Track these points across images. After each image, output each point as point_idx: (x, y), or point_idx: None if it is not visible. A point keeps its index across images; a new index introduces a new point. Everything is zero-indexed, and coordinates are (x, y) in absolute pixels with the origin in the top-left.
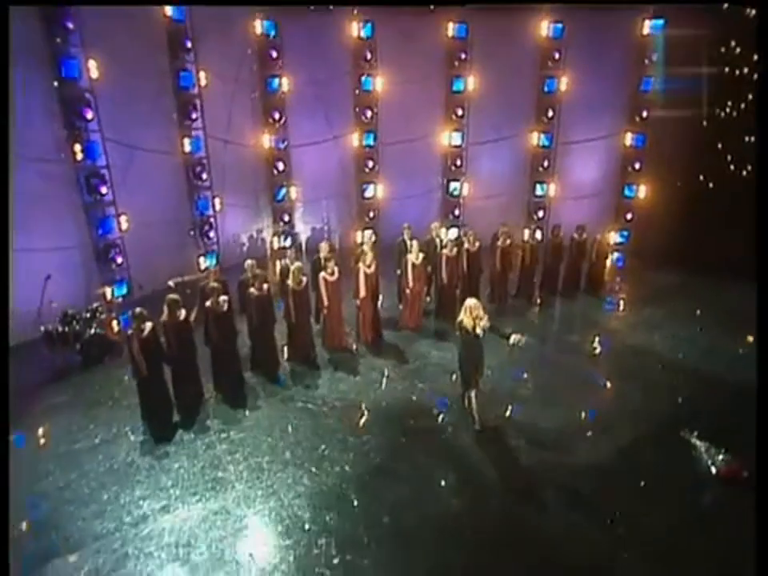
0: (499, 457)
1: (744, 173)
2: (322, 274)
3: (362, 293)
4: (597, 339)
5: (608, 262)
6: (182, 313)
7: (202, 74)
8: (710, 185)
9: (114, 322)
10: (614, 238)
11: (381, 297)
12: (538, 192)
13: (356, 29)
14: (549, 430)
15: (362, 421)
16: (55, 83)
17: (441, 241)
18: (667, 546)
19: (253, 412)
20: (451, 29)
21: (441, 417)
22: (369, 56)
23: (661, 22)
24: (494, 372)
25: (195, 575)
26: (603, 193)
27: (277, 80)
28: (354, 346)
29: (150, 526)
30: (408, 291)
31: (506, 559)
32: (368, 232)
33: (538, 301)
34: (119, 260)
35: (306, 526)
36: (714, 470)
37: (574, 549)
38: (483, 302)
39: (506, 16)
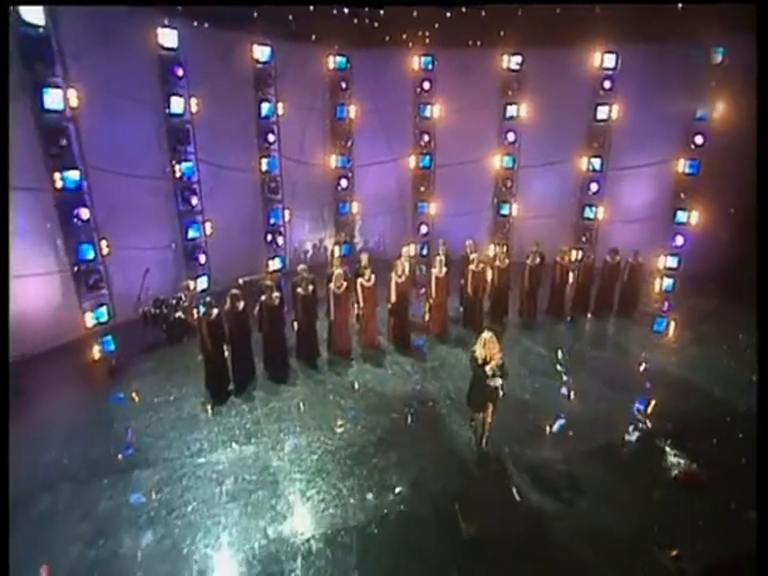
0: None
1: None
2: (360, 280)
3: (393, 299)
4: (561, 355)
5: (643, 284)
6: (241, 304)
7: (280, 105)
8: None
9: (195, 310)
10: (663, 262)
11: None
12: (587, 214)
13: (417, 62)
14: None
15: (376, 404)
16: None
17: (470, 256)
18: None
19: (291, 388)
20: (506, 61)
21: (441, 407)
22: (428, 86)
23: (721, 49)
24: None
25: (223, 494)
26: (653, 218)
27: (345, 108)
28: (384, 345)
29: (202, 459)
30: (431, 301)
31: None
32: (411, 246)
33: (569, 318)
34: (202, 259)
35: (316, 471)
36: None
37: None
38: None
39: (559, 48)
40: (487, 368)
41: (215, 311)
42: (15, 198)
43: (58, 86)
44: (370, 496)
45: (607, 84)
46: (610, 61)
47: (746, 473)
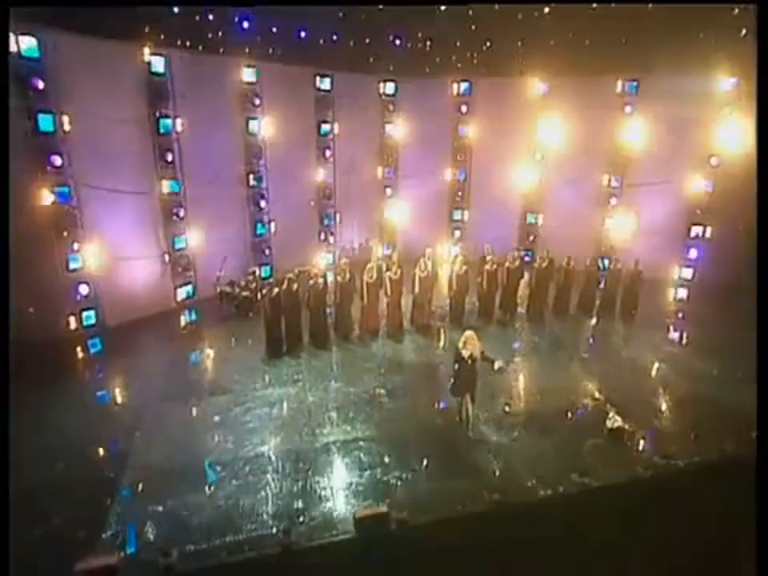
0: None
1: None
2: (388, 273)
3: (416, 290)
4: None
5: (641, 289)
6: (295, 286)
7: (336, 125)
8: None
9: (259, 291)
10: (678, 272)
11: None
12: (607, 226)
13: (456, 88)
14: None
15: (391, 367)
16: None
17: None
18: None
19: (327, 353)
20: (536, 88)
21: (441, 373)
22: (465, 109)
23: (734, 80)
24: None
25: (272, 413)
26: (669, 231)
27: (392, 127)
28: (406, 327)
29: (260, 392)
30: (451, 293)
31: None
32: (429, 249)
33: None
34: (267, 252)
35: (338, 405)
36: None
37: None
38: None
39: (584, 77)
40: (464, 352)
41: (276, 290)
42: (129, 200)
43: (168, 117)
44: (376, 419)
45: (628, 109)
46: (630, 88)
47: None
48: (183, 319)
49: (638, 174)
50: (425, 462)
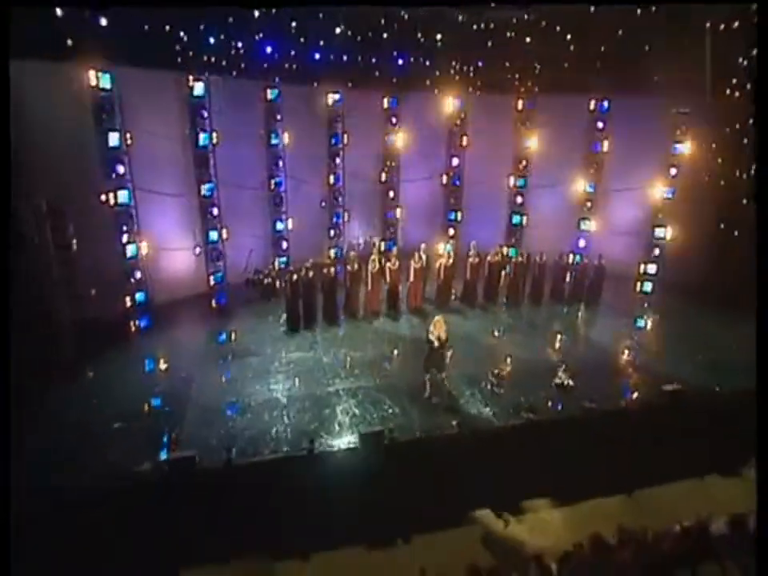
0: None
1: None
2: (388, 264)
3: (411, 278)
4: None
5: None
6: (311, 274)
7: (346, 136)
8: (735, 233)
9: (279, 281)
10: (644, 268)
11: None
12: (582, 227)
13: (451, 104)
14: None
15: (390, 340)
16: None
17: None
18: None
19: (337, 329)
20: (520, 104)
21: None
22: (459, 122)
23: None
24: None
25: (295, 372)
26: (638, 232)
27: (394, 137)
28: (401, 309)
29: (282, 356)
30: (439, 282)
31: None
32: (424, 245)
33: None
34: (285, 245)
35: (347, 365)
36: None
37: None
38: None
39: (563, 95)
40: (431, 337)
41: (294, 277)
42: (172, 202)
43: (205, 131)
44: (376, 375)
45: (600, 125)
46: (602, 108)
47: None
48: (214, 301)
49: (610, 182)
50: (410, 403)
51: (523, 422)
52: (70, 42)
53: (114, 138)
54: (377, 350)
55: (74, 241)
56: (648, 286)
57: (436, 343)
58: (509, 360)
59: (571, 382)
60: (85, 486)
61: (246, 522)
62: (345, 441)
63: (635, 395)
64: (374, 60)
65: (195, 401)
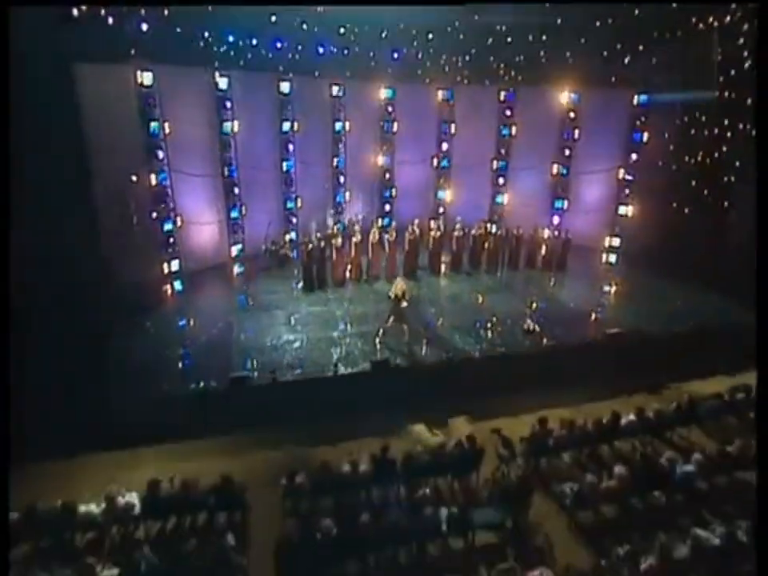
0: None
1: (720, 203)
2: (387, 236)
3: (406, 248)
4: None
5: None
6: (322, 244)
7: (346, 124)
8: (686, 210)
9: (291, 251)
10: (609, 241)
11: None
12: (556, 205)
13: (441, 95)
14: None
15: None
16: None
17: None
18: None
19: (344, 290)
20: (501, 95)
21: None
22: (447, 110)
23: (646, 96)
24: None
25: (311, 323)
26: (604, 209)
27: (389, 124)
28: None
29: (301, 310)
30: (431, 250)
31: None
32: (417, 220)
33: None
34: (294, 220)
35: (352, 316)
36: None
37: None
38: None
39: (540, 87)
40: (390, 293)
41: (310, 247)
42: (200, 182)
43: (228, 120)
44: (376, 323)
45: (572, 115)
46: (574, 99)
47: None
48: (236, 268)
49: (580, 165)
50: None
51: (491, 353)
52: (120, 46)
53: (155, 127)
54: (378, 306)
55: (135, 217)
56: (613, 258)
57: (393, 298)
58: (486, 313)
59: (537, 328)
60: (174, 394)
61: (288, 420)
62: (359, 368)
63: (585, 337)
64: (372, 53)
65: (237, 341)
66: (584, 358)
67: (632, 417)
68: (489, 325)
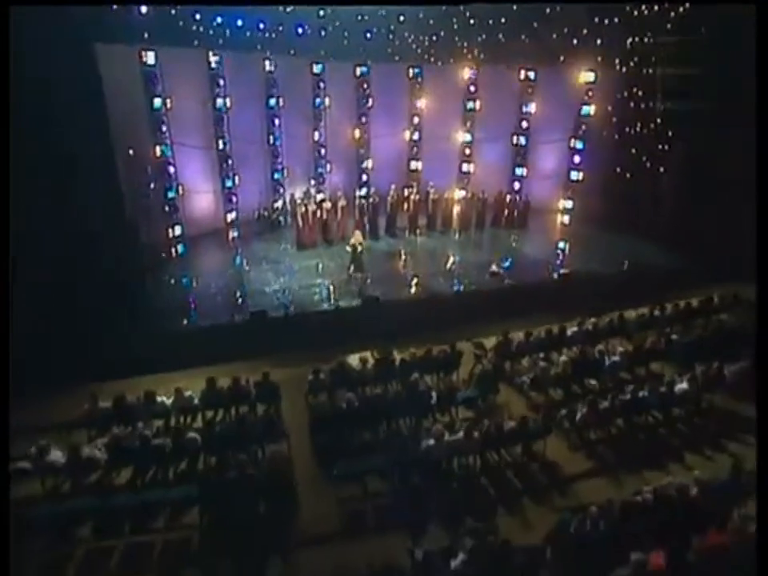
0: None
1: (656, 168)
2: (363, 201)
3: (388, 211)
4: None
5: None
6: (312, 208)
7: (327, 99)
8: (627, 175)
9: (283, 217)
10: (563, 204)
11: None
12: (517, 173)
13: (411, 73)
14: None
15: (375, 253)
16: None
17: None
18: None
19: (334, 247)
20: (466, 73)
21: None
22: (418, 87)
23: (592, 74)
24: None
25: (304, 272)
26: (558, 175)
27: (365, 100)
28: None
29: (296, 263)
30: (408, 213)
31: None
32: (394, 186)
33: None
34: (281, 190)
35: (340, 268)
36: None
37: None
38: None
39: (498, 67)
40: (347, 246)
41: (302, 211)
42: (198, 153)
43: (220, 97)
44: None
45: (529, 90)
46: (530, 76)
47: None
48: (232, 233)
49: (537, 136)
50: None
51: (469, 291)
52: (128, 28)
53: (158, 103)
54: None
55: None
56: (566, 218)
57: (350, 249)
58: (454, 261)
59: (501, 271)
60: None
61: (297, 342)
62: (353, 303)
63: (539, 277)
64: (346, 33)
65: (249, 286)
66: (540, 292)
67: (575, 328)
68: (461, 271)
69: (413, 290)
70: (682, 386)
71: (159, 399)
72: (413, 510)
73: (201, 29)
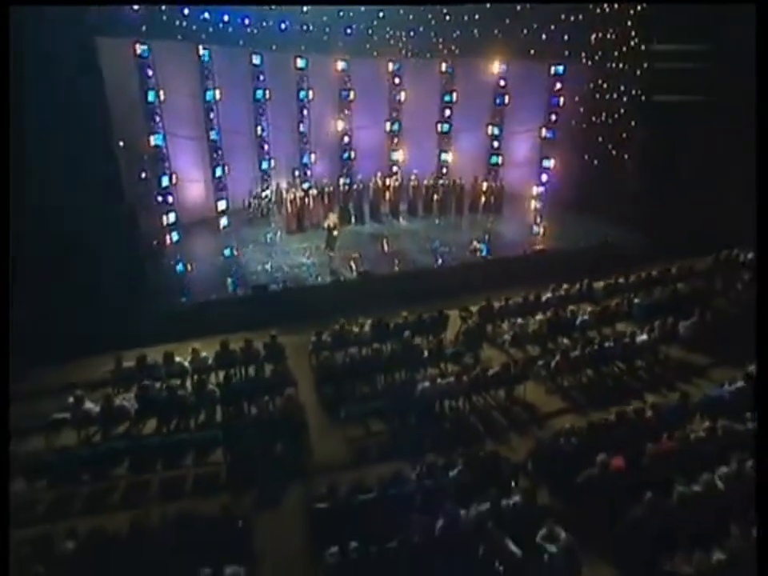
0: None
1: (621, 155)
2: (354, 187)
3: (371, 197)
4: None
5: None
6: (300, 195)
7: (311, 92)
8: (595, 162)
9: (272, 205)
10: (536, 190)
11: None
12: (493, 161)
13: (390, 67)
14: None
15: (361, 235)
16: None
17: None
18: None
19: (320, 231)
20: (444, 66)
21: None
22: (397, 81)
23: (561, 67)
24: None
25: (296, 252)
26: (531, 163)
27: (346, 93)
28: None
29: (289, 244)
30: (390, 198)
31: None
32: (379, 173)
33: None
34: (268, 179)
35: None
36: None
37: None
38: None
39: (473, 61)
40: (323, 225)
41: (292, 197)
42: (190, 143)
43: (210, 89)
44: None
45: (502, 83)
46: (503, 70)
47: None
48: (222, 221)
49: (510, 126)
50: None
51: (451, 266)
52: (124, 22)
53: (151, 95)
54: (351, 240)
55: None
56: (539, 204)
57: (326, 228)
58: (437, 242)
59: (481, 247)
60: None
61: (294, 313)
62: (344, 274)
63: (515, 253)
64: (327, 29)
65: (246, 266)
66: (517, 267)
67: (549, 294)
68: (443, 249)
69: (397, 267)
70: (642, 337)
71: (177, 360)
72: (411, 446)
73: (187, 24)
